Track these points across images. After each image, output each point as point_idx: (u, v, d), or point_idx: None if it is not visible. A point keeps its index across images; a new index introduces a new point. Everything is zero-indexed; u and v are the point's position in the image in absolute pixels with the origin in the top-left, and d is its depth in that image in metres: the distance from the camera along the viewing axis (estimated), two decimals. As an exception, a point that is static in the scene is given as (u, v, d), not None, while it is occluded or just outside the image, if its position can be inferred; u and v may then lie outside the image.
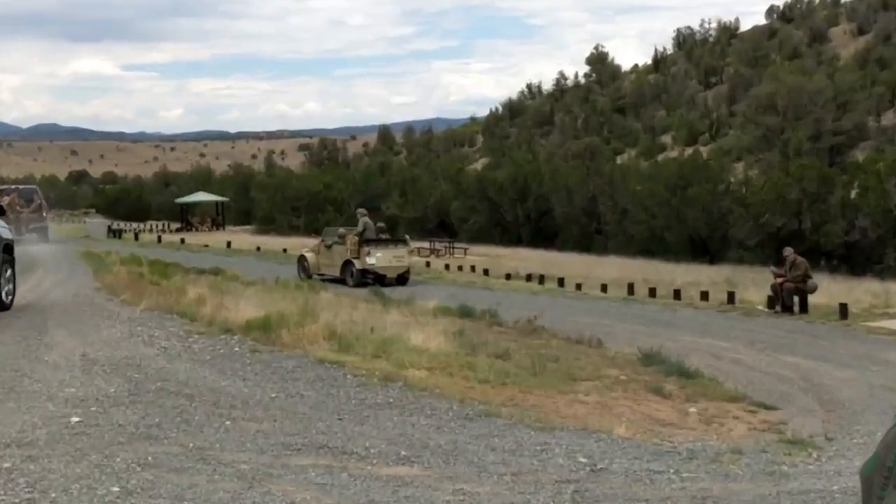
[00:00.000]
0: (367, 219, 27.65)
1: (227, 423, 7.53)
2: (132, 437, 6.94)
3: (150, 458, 6.35)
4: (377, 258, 26.49)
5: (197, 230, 65.68)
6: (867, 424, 9.96)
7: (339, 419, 7.89)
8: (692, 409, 10.21)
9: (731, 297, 23.01)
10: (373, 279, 26.51)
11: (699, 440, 8.42)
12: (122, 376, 9.30)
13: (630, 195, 51.37)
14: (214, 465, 6.25)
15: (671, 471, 6.88)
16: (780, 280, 20.41)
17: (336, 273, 27.00)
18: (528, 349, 13.29)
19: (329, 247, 27.83)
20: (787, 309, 20.12)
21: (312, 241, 32.48)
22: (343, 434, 7.34)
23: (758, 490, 6.50)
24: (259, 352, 11.03)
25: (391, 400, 8.77)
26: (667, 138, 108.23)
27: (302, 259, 28.96)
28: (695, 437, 8.67)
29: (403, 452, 6.86)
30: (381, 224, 30.27)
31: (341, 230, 28.85)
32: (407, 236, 29.94)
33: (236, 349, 11.21)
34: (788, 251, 21.10)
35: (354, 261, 26.57)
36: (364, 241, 26.71)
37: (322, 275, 27.70)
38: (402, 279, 26.82)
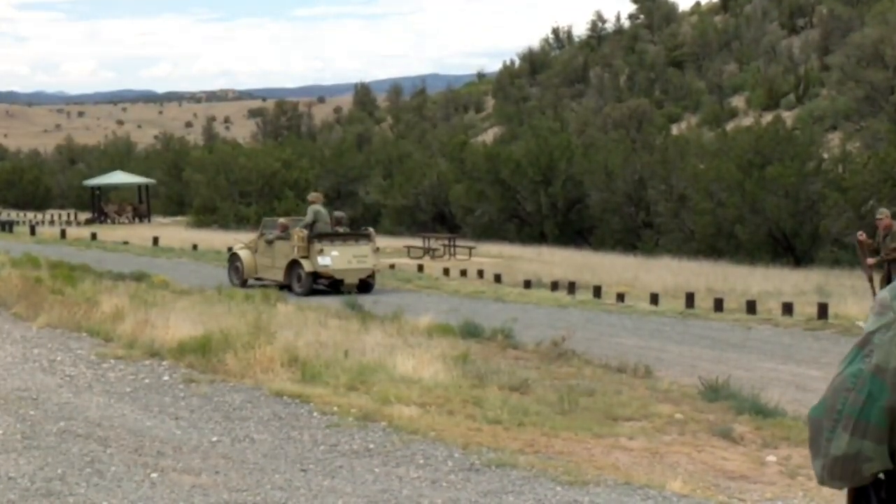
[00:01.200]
0: (319, 206, 27.56)
1: (153, 475, 7.57)
2: (26, 494, 6.97)
3: (50, 521, 6.38)
4: (332, 258, 26.47)
5: (114, 222, 65.90)
6: None
7: (303, 471, 7.93)
8: (771, 458, 10.27)
9: (822, 310, 23.05)
10: (326, 285, 26.55)
11: (780, 498, 8.48)
12: (13, 414, 9.33)
13: (690, 177, 51.44)
14: (136, 531, 6.29)
15: (743, 539, 6.92)
16: (869, 259, 20.50)
17: (279, 277, 26.98)
18: (553, 380, 13.34)
19: (270, 243, 27.80)
20: None
21: (250, 236, 32.45)
22: (308, 490, 7.38)
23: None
24: (196, 382, 11.06)
25: (371, 446, 8.81)
26: (739, 101, 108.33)
27: (234, 259, 28.86)
28: (774, 493, 8.73)
29: (387, 514, 6.90)
30: (338, 213, 30.14)
31: (283, 221, 28.82)
32: (371, 229, 29.88)
33: (165, 378, 11.25)
34: (883, 213, 21.04)
35: (303, 261, 26.55)
36: (315, 235, 26.71)
37: (260, 279, 27.68)
38: (366, 285, 26.86)
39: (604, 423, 10.78)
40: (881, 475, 2.28)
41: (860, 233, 20.52)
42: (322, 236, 26.77)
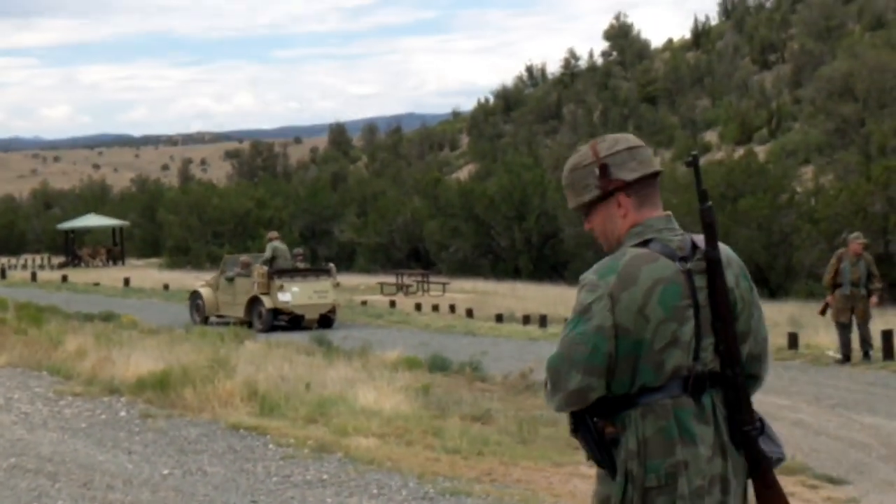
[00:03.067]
0: (278, 243, 27.70)
1: (101, 508, 7.47)
2: (-31, 529, 6.86)
3: (-10, 555, 6.28)
4: (293, 294, 26.54)
5: (87, 265, 65.59)
6: (967, 501, 9.98)
7: (253, 502, 7.86)
8: (733, 484, 10.25)
9: (793, 340, 23.09)
10: (287, 321, 26.54)
11: (739, 524, 8.38)
12: (-36, 451, 9.21)
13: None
14: (77, 564, 6.19)
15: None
16: (828, 298, 20.36)
17: (239, 314, 27.04)
18: (518, 411, 13.28)
19: (231, 280, 27.83)
20: (844, 331, 20.12)
21: (209, 275, 32.48)
22: (256, 521, 7.28)
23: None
24: (153, 417, 10.97)
25: (325, 476, 8.72)
26: (712, 135, 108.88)
27: (195, 296, 28.94)
28: (733, 518, 8.65)
29: (336, 543, 6.82)
30: (298, 250, 30.34)
31: (244, 258, 28.89)
32: (331, 265, 29.98)
33: (122, 414, 11.15)
34: (855, 235, 20.84)
35: (263, 297, 26.63)
36: (275, 271, 26.74)
37: (221, 316, 27.70)
38: (327, 320, 26.89)
39: (564, 452, 10.71)
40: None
41: (830, 299, 20.42)
42: (282, 272, 26.83)
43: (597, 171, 3.57)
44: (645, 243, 3.54)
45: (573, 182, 3.61)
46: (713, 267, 3.52)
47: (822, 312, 20.94)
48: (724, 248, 3.67)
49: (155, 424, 10.68)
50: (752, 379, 3.66)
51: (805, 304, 38.68)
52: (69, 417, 11.00)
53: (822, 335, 24.51)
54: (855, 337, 20.46)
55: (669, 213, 3.72)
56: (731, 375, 3.47)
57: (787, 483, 10.50)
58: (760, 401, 12.55)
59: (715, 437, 3.41)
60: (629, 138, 3.64)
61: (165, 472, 8.74)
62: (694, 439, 3.37)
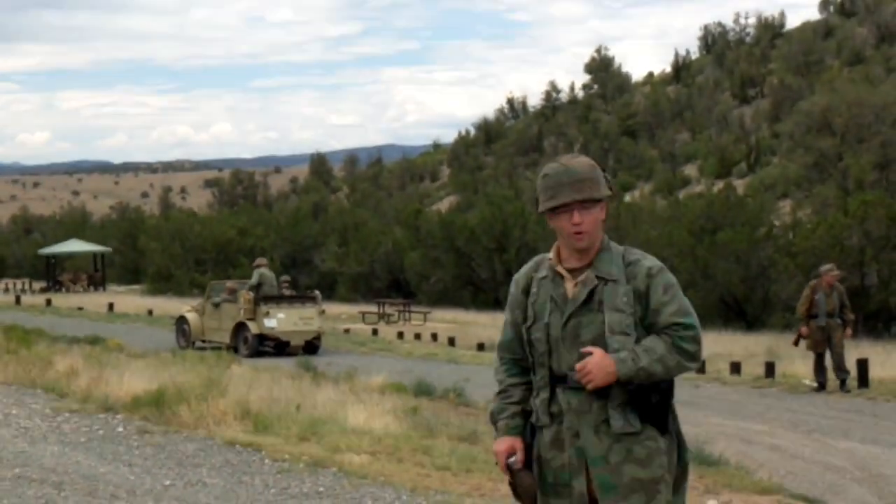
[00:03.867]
0: (265, 270, 28.03)
1: (107, 515, 7.77)
2: (-17, 532, 7.16)
3: (5, 556, 6.58)
4: (278, 320, 26.87)
5: (69, 290, 65.69)
6: (937, 521, 10.33)
7: (253, 511, 8.14)
8: (711, 503, 10.57)
9: (769, 369, 23.51)
10: (273, 347, 26.84)
11: (717, 538, 8.73)
12: (-31, 462, 9.50)
13: (642, 243, 51.99)
14: (90, 564, 6.49)
15: (677, 570, 7.18)
16: (802, 329, 20.70)
17: (225, 339, 27.35)
18: (502, 433, 13.60)
19: (217, 305, 28.13)
20: (820, 361, 20.48)
21: (192, 301, 32.78)
22: (257, 528, 7.59)
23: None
24: (150, 433, 11.27)
25: (321, 489, 9.04)
26: (691, 169, 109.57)
27: (181, 321, 29.23)
28: (712, 534, 8.99)
29: (334, 549, 7.13)
30: (284, 277, 30.80)
31: (230, 284, 29.23)
32: (317, 292, 30.34)
33: (119, 429, 11.45)
34: (828, 267, 21.12)
35: (249, 323, 26.95)
36: (261, 298, 27.05)
37: (207, 341, 27.98)
38: (312, 347, 27.23)
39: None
40: None
41: (804, 329, 20.76)
42: (268, 299, 27.14)
43: (608, 176, 4.34)
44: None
45: (597, 177, 4.34)
46: None
47: (796, 343, 21.33)
48: None
49: (152, 439, 10.98)
50: None
51: (781, 335, 39.06)
52: (68, 432, 11.30)
53: (799, 365, 24.93)
54: (829, 366, 20.87)
55: None
56: None
57: (762, 501, 10.90)
58: (739, 426, 12.97)
59: None
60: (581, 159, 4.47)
61: (167, 482, 9.05)
62: None
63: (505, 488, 9.74)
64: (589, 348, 4.23)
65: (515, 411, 4.51)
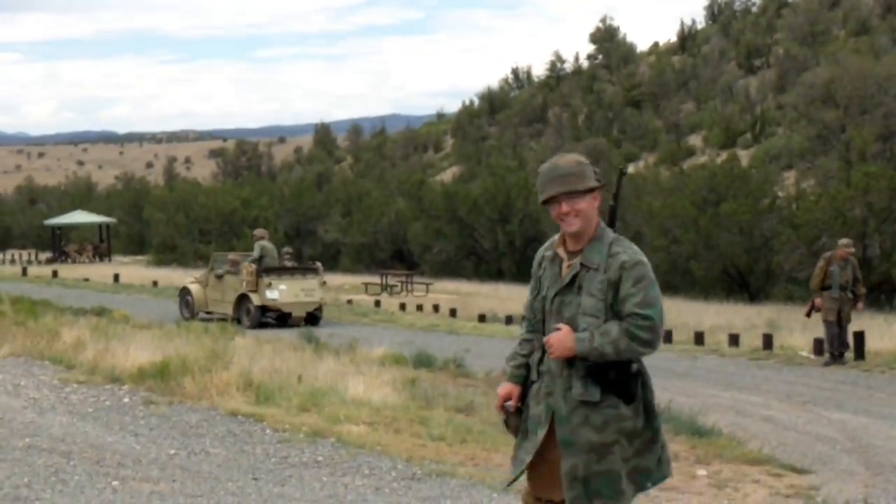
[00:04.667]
0: (266, 242, 28.34)
1: (114, 483, 8.10)
2: (-4, 499, 7.48)
3: (18, 522, 6.90)
4: (280, 291, 27.19)
5: (74, 261, 66.10)
6: (921, 490, 10.63)
7: (254, 479, 8.47)
8: (701, 472, 10.87)
9: (767, 341, 23.76)
10: (275, 318, 27.17)
11: (704, 506, 9.04)
12: (-19, 433, 9.83)
13: (645, 214, 52.20)
14: (98, 529, 6.81)
15: (663, 537, 7.50)
16: (816, 300, 20.81)
17: (228, 310, 27.69)
18: (500, 404, 13.89)
19: (219, 277, 28.48)
20: (833, 331, 20.59)
21: (196, 272, 33.10)
22: (258, 496, 7.92)
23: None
24: (155, 403, 11.60)
25: (320, 458, 9.36)
26: (696, 139, 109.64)
27: (185, 292, 29.60)
28: (700, 502, 9.31)
29: (332, 516, 7.45)
30: (287, 249, 31.09)
31: (233, 256, 29.54)
32: (318, 263, 30.66)
33: (126, 400, 11.78)
34: (845, 242, 21.17)
35: (251, 295, 27.28)
36: (263, 270, 27.39)
37: (210, 312, 28.35)
38: (313, 318, 27.54)
39: (544, 441, 11.35)
40: None
41: (818, 301, 20.87)
42: (270, 270, 27.45)
43: (596, 169, 5.06)
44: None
45: (582, 171, 5.03)
46: None
47: (809, 314, 21.41)
48: None
49: (157, 410, 11.31)
50: None
51: (783, 307, 39.33)
52: (76, 403, 11.64)
53: (798, 337, 25.22)
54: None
55: None
56: None
57: (752, 471, 11.22)
58: (735, 398, 13.30)
59: None
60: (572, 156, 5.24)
61: (172, 452, 9.37)
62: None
63: (497, 458, 10.10)
64: (560, 325, 4.93)
65: (522, 362, 5.25)
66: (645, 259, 5.12)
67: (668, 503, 9.11)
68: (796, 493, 10.34)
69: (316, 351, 17.99)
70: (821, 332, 21.54)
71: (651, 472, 5.08)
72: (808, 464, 12.10)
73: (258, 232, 29.74)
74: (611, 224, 5.27)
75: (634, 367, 4.99)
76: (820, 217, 44.45)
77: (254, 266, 27.44)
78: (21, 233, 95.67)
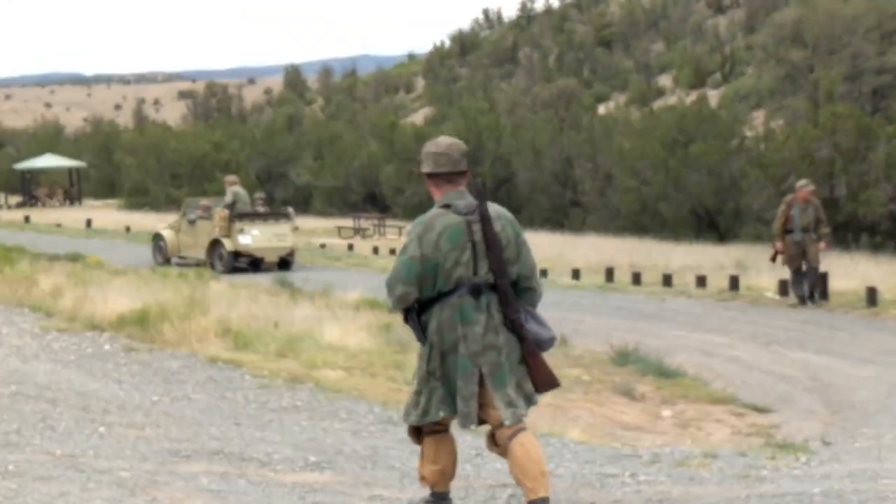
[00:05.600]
0: (238, 188, 28.67)
1: (101, 429, 8.41)
2: (-13, 446, 7.77)
3: (10, 466, 7.20)
4: (252, 237, 27.54)
5: (45, 205, 66.03)
6: (878, 427, 11.05)
7: (237, 424, 8.80)
8: (666, 413, 11.29)
9: (734, 282, 24.14)
10: (247, 263, 27.49)
11: (669, 444, 9.42)
12: (-34, 380, 10.12)
13: (616, 155, 52.43)
14: (88, 473, 7.12)
15: (627, 474, 7.87)
16: (777, 244, 21.05)
17: (200, 256, 28.05)
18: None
19: (192, 223, 28.77)
20: (798, 276, 20.88)
21: (169, 217, 33.35)
22: (241, 440, 8.24)
23: (725, 493, 7.49)
24: (136, 350, 11.90)
25: (299, 403, 9.69)
26: (666, 79, 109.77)
27: (158, 238, 29.95)
28: (664, 441, 9.70)
29: (312, 458, 7.79)
30: (258, 195, 31.37)
31: (204, 202, 29.82)
32: (290, 209, 31.01)
33: (107, 347, 12.07)
34: (804, 182, 21.38)
35: (224, 240, 27.60)
36: (236, 215, 27.67)
37: (183, 258, 28.68)
38: (285, 263, 27.90)
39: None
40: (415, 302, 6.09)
41: (779, 244, 21.06)
42: (242, 216, 27.76)
43: (420, 160, 6.43)
44: (447, 206, 6.16)
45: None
46: (483, 218, 6.08)
47: (773, 259, 21.62)
48: (496, 208, 6.22)
49: (138, 357, 11.62)
50: (528, 290, 6.26)
51: (752, 246, 39.72)
52: (58, 350, 11.92)
53: (765, 277, 25.60)
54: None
55: (462, 188, 6.25)
56: (499, 284, 6.05)
57: (715, 411, 11.64)
58: (701, 339, 13.68)
59: (487, 321, 6.01)
60: (438, 144, 6.44)
61: (154, 398, 9.69)
62: (472, 322, 6.00)
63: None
64: None
65: None
66: (412, 232, 6.22)
67: (634, 442, 9.47)
68: (757, 431, 10.76)
69: (291, 296, 18.28)
70: (787, 273, 21.88)
71: (409, 412, 6.35)
72: (770, 403, 12.53)
73: (230, 178, 30.00)
74: (480, 200, 6.21)
75: (414, 317, 6.15)
76: (787, 157, 44.70)
77: (226, 211, 27.70)
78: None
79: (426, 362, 6.14)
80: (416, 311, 6.13)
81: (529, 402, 6.21)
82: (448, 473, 6.42)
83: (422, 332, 6.13)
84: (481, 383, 6.04)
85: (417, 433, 6.46)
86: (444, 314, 6.03)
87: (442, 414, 6.18)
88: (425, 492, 6.57)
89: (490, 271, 6.05)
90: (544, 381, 6.24)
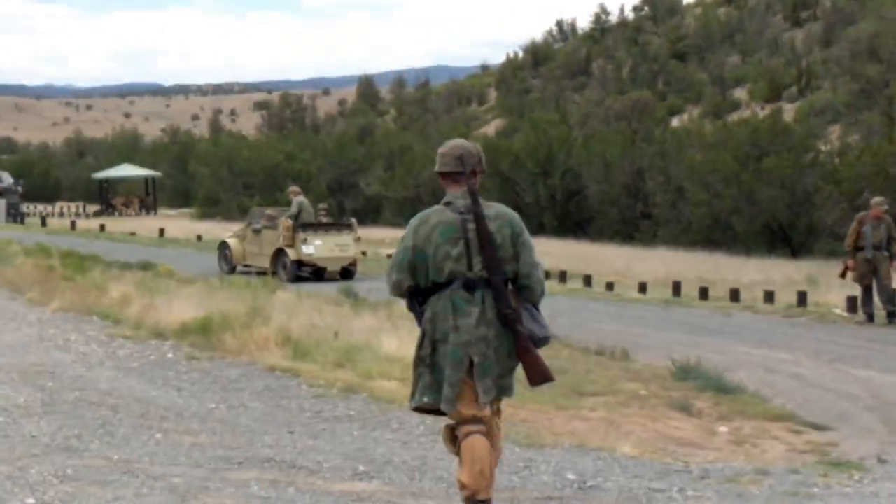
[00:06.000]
0: (302, 198, 28.96)
1: (158, 435, 8.60)
2: (48, 449, 8.01)
3: (68, 470, 7.40)
4: (315, 247, 27.79)
5: (121, 214, 66.93)
6: (937, 447, 10.94)
7: (290, 432, 8.94)
8: (722, 429, 11.24)
9: (801, 298, 23.93)
10: (310, 273, 27.75)
11: (721, 461, 9.41)
12: (33, 385, 10.42)
13: (687, 168, 52.21)
14: (143, 479, 7.31)
15: (675, 489, 7.90)
16: (849, 262, 20.83)
17: (265, 264, 28.34)
18: (531, 360, 14.27)
19: (257, 232, 29.12)
20: (867, 293, 20.63)
21: (239, 226, 33.70)
22: (293, 448, 8.38)
23: (772, 510, 7.51)
24: (197, 359, 12.10)
25: (352, 413, 9.81)
26: (741, 92, 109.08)
27: (223, 247, 30.30)
28: (716, 457, 9.68)
29: (362, 468, 7.90)
30: (322, 205, 31.64)
31: (269, 211, 30.14)
32: (353, 220, 31.29)
33: (169, 356, 12.29)
34: (878, 200, 21.06)
35: (288, 249, 27.86)
36: (300, 225, 27.97)
37: (248, 266, 29.01)
38: (348, 272, 28.12)
39: (570, 398, 11.75)
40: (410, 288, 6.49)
41: (850, 262, 20.88)
42: (306, 226, 28.06)
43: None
44: (447, 204, 6.56)
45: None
46: (476, 217, 6.40)
47: (843, 275, 21.35)
48: (498, 208, 6.59)
49: (199, 365, 11.82)
50: (526, 288, 6.48)
51: (825, 262, 39.34)
52: (122, 358, 12.17)
53: (834, 294, 25.34)
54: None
55: (465, 188, 6.54)
56: (493, 281, 6.35)
57: (773, 428, 11.59)
58: (765, 355, 13.59)
59: (480, 314, 6.32)
60: (446, 145, 6.84)
61: (212, 406, 9.87)
62: (464, 314, 6.32)
63: (523, 414, 10.52)
64: None
65: None
66: (410, 224, 6.68)
67: (686, 458, 9.48)
68: (812, 449, 10.69)
69: (354, 307, 18.43)
70: (855, 290, 21.65)
71: (413, 393, 6.63)
72: (829, 420, 12.43)
73: (294, 188, 30.35)
74: (474, 201, 6.50)
75: (417, 307, 6.56)
76: (861, 172, 44.37)
77: (291, 221, 28.02)
78: (70, 185, 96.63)
79: (418, 348, 6.54)
80: (418, 301, 6.52)
81: (503, 393, 6.62)
82: (487, 475, 6.46)
83: (420, 318, 6.54)
84: (469, 372, 6.36)
85: (453, 441, 6.62)
86: (439, 305, 6.40)
87: (426, 399, 6.53)
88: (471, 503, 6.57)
89: (484, 268, 6.38)
90: (538, 375, 6.59)
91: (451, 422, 6.60)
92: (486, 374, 6.40)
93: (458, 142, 6.88)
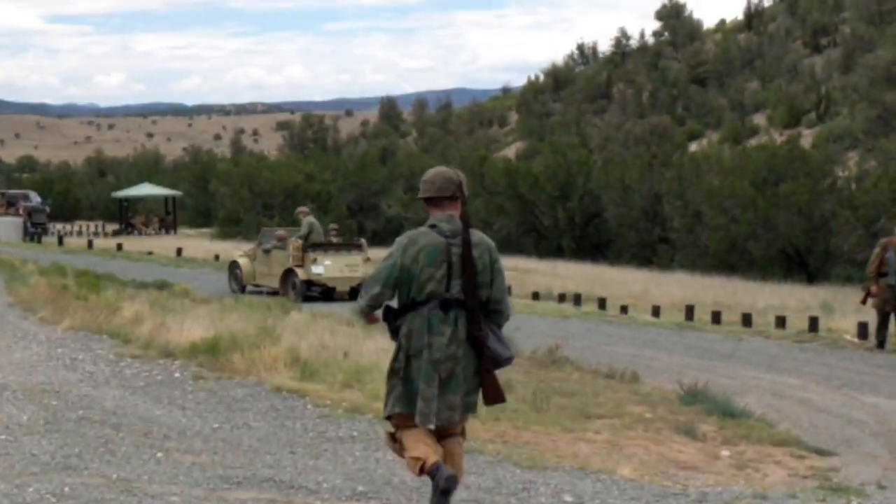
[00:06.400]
0: (312, 219, 29.08)
1: (159, 454, 8.64)
2: (47, 468, 8.06)
3: (66, 488, 7.45)
4: (325, 267, 27.87)
5: (140, 233, 67.17)
6: (941, 474, 10.91)
7: (291, 452, 8.97)
8: (725, 453, 11.23)
9: (813, 323, 23.89)
10: (319, 292, 27.82)
11: (721, 485, 9.41)
12: (38, 403, 10.48)
13: (705, 193, 52.21)
14: (140, 497, 7.35)
15: (671, 513, 7.90)
16: (873, 288, 20.75)
17: (274, 284, 28.47)
18: (540, 383, 14.29)
19: (267, 252, 29.24)
20: (885, 320, 20.52)
21: (248, 245, 33.83)
22: (293, 468, 8.41)
23: (767, 535, 7.50)
24: (204, 378, 12.15)
25: (355, 434, 9.84)
26: (760, 118, 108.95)
27: (234, 266, 30.42)
28: (717, 481, 9.67)
29: (361, 488, 7.93)
30: (333, 225, 31.72)
31: (280, 232, 30.27)
32: (363, 240, 31.36)
33: (176, 375, 12.34)
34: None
35: (297, 269, 27.96)
36: (310, 245, 28.07)
37: (258, 286, 29.11)
38: (356, 293, 28.10)
39: (576, 420, 11.76)
40: (388, 303, 6.84)
41: (874, 288, 20.81)
42: (316, 246, 28.15)
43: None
44: (432, 227, 6.96)
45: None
46: (465, 244, 6.85)
47: (864, 301, 21.26)
48: (479, 236, 7.05)
49: (206, 385, 11.86)
50: (496, 312, 6.98)
51: (841, 288, 39.27)
52: (129, 377, 12.22)
53: (848, 320, 25.28)
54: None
55: (452, 214, 7.05)
56: (469, 303, 6.77)
57: (776, 453, 11.57)
58: (774, 380, 13.60)
59: (452, 334, 6.72)
60: (429, 172, 7.31)
61: (215, 425, 9.90)
62: (438, 332, 6.70)
63: (527, 436, 10.53)
64: None
65: None
66: (398, 242, 7.00)
67: (686, 481, 9.47)
68: (814, 474, 10.67)
69: (366, 327, 18.44)
70: (868, 315, 21.57)
71: (386, 403, 7.05)
72: (834, 446, 12.41)
73: (303, 209, 30.49)
74: (464, 227, 7.00)
75: (390, 318, 6.91)
76: (878, 198, 44.35)
77: (300, 241, 28.15)
78: (90, 204, 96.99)
79: (392, 361, 6.98)
80: (392, 316, 6.90)
81: (468, 410, 7.01)
82: (432, 445, 6.85)
83: (395, 334, 6.94)
84: (440, 388, 6.75)
85: (393, 439, 7.11)
86: (415, 322, 6.78)
87: (397, 409, 6.93)
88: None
89: (462, 291, 6.80)
90: (492, 396, 7.03)
91: (391, 429, 7.10)
92: (454, 391, 6.79)
93: (440, 169, 7.34)
